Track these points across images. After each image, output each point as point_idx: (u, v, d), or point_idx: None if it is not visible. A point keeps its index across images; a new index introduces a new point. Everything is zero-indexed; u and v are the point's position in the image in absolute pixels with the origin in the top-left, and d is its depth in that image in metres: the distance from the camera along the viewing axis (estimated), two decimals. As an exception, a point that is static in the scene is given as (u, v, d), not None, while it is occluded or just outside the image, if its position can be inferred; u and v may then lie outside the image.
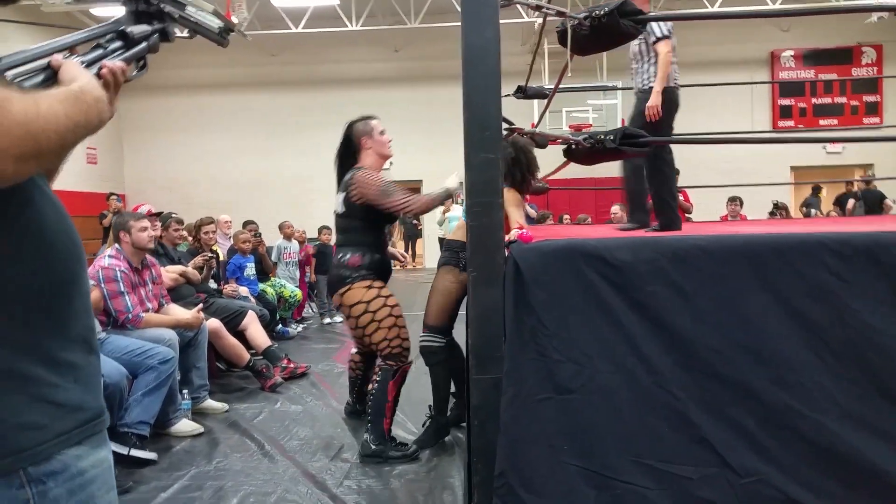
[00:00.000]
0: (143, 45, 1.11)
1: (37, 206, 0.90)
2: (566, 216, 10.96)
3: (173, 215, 5.74)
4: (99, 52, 1.04)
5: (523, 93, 4.79)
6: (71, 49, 0.99)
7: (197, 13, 1.23)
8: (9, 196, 0.84)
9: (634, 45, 3.89)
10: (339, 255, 3.49)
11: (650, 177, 3.82)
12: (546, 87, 6.01)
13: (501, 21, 2.27)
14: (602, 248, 2.16)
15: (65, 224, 0.95)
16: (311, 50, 14.81)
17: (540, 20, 12.11)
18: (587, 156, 2.69)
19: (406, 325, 3.49)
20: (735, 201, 9.86)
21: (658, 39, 3.76)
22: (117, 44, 1.08)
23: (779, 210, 11.11)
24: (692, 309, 2.15)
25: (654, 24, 3.75)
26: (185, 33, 1.25)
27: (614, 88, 10.94)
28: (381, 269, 3.54)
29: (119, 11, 1.14)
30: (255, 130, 15.00)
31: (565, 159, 3.09)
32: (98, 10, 12.58)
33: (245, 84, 14.97)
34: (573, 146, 2.74)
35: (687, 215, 9.34)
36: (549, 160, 4.78)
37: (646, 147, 2.58)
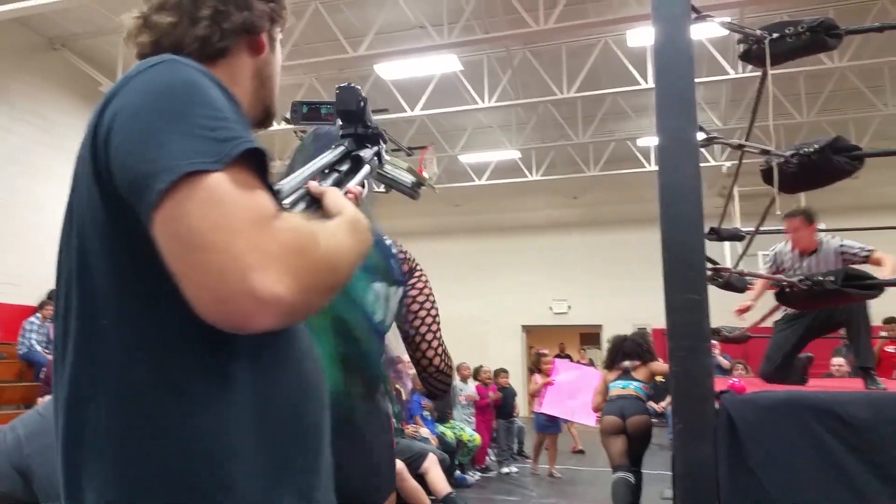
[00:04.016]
0: (367, 167, 1.10)
1: (296, 342, 0.86)
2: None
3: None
4: (336, 175, 1.01)
5: (717, 234, 4.60)
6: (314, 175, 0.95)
7: (393, 170, 1.31)
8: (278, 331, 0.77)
9: (805, 257, 3.84)
10: None
11: (859, 329, 3.49)
12: (741, 229, 5.73)
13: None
14: (834, 403, 1.89)
15: (316, 363, 0.89)
16: (492, 199, 15.48)
17: (728, 163, 11.84)
18: (803, 299, 2.46)
19: None
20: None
21: (868, 255, 3.64)
22: (347, 166, 1.05)
23: None
24: (956, 481, 1.80)
25: (853, 244, 3.70)
26: (382, 188, 1.31)
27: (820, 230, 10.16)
28: None
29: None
30: (439, 275, 15.46)
31: (776, 303, 2.84)
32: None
33: (431, 232, 15.83)
34: (787, 289, 2.52)
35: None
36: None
37: (873, 289, 2.31)
